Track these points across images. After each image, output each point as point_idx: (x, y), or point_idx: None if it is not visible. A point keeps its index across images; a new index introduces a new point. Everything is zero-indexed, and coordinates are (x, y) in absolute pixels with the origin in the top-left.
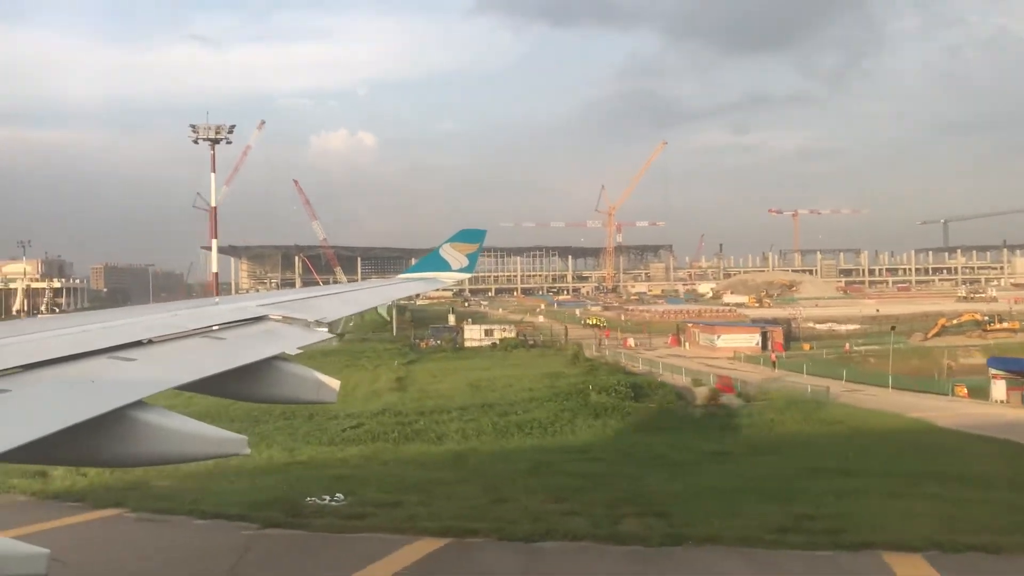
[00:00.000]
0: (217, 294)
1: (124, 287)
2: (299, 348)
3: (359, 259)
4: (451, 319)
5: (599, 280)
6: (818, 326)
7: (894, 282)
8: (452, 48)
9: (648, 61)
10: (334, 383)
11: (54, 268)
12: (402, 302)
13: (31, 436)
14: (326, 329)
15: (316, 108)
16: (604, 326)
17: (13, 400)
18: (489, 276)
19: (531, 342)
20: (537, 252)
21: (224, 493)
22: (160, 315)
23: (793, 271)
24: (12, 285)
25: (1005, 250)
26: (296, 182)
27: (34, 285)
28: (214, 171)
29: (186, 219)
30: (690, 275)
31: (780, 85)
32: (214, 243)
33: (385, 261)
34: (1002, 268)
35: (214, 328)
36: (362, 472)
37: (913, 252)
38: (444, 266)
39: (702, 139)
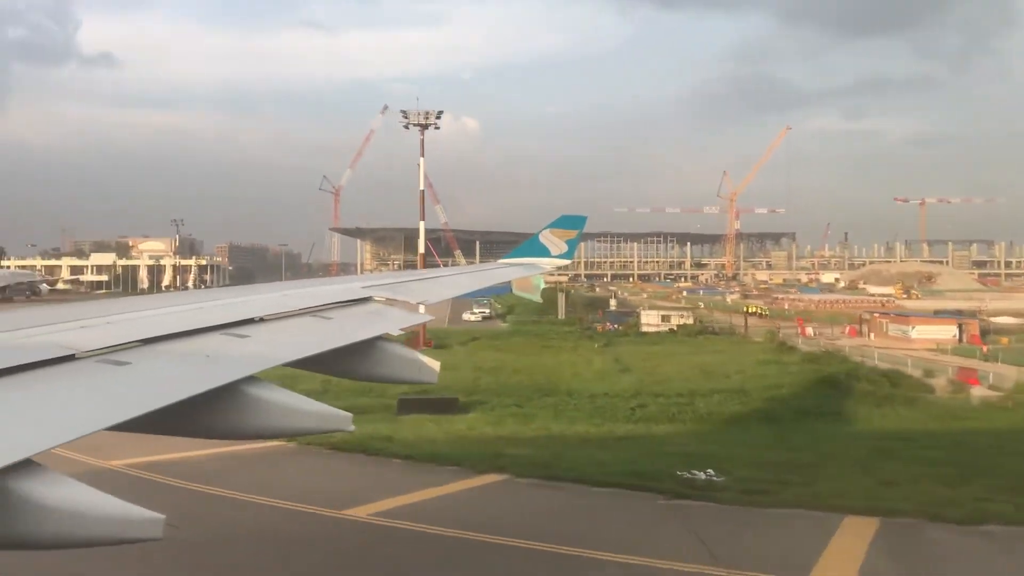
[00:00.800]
0: (337, 274)
1: (247, 266)
2: (401, 329)
3: (477, 243)
4: (612, 303)
5: (718, 268)
6: (994, 319)
7: None
8: (557, 31)
9: (758, 45)
10: (435, 364)
11: (186, 247)
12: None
13: (150, 407)
14: (422, 310)
15: (421, 93)
16: (766, 314)
17: (134, 373)
18: (605, 262)
19: (712, 329)
20: (654, 238)
21: (586, 462)
22: (271, 294)
23: (922, 262)
24: (162, 262)
25: None
26: (420, 164)
27: (182, 262)
28: (423, 155)
29: (313, 201)
30: (813, 264)
31: (897, 69)
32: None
33: (502, 246)
34: None
35: (322, 308)
36: (695, 449)
37: None
38: (544, 252)
39: (814, 125)
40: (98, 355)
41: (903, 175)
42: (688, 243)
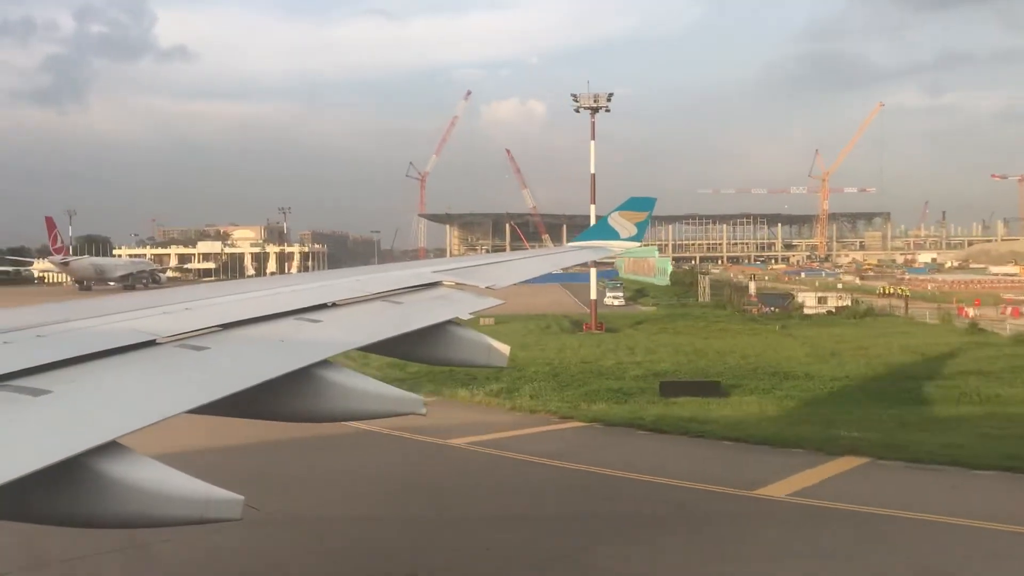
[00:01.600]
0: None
1: (336, 253)
2: (471, 313)
3: (564, 226)
4: (752, 287)
5: (810, 248)
6: None
7: None
8: (624, 13)
9: (832, 21)
10: (504, 348)
11: (275, 234)
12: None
13: (228, 391)
14: (491, 296)
15: (489, 77)
16: (907, 295)
17: (213, 357)
18: (693, 244)
19: (874, 311)
20: (742, 220)
21: (932, 445)
22: (343, 280)
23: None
24: (267, 249)
25: None
26: (508, 151)
27: (287, 249)
28: (593, 138)
29: (395, 187)
30: (908, 244)
31: (981, 41)
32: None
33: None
34: None
35: (392, 293)
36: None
37: None
38: (613, 235)
39: (892, 101)
40: (178, 340)
41: (991, 151)
42: (778, 224)
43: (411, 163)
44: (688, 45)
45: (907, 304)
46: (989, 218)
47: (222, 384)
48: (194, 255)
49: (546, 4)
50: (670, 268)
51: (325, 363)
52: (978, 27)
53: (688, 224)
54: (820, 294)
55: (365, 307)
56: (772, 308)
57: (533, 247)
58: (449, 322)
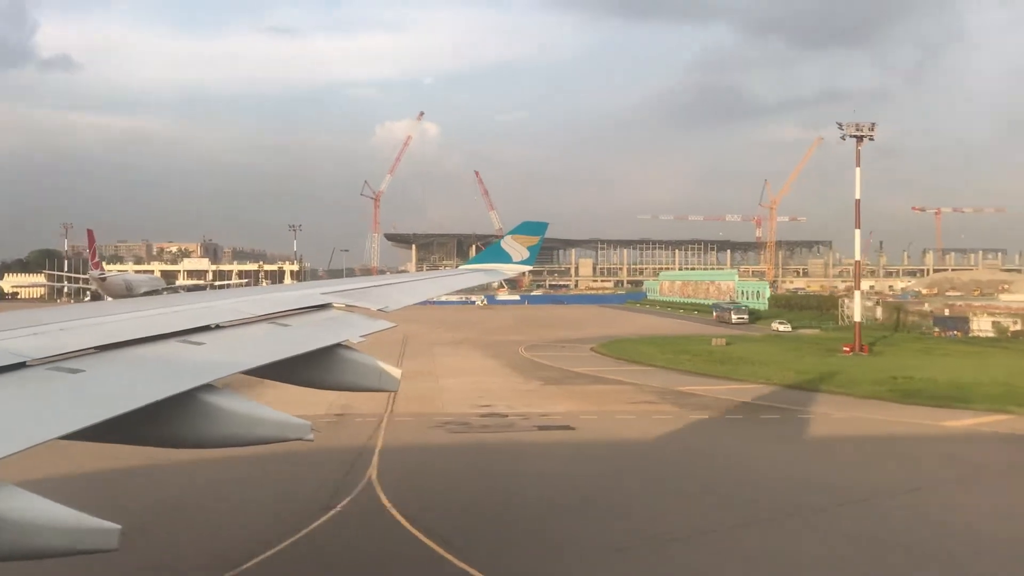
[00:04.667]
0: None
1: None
2: (362, 336)
3: None
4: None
5: (759, 275)
6: None
7: None
8: (519, 39)
9: (724, 55)
10: (396, 372)
11: (210, 251)
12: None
13: (103, 416)
14: (384, 319)
15: (385, 97)
16: None
17: (87, 381)
18: (648, 268)
19: None
20: (694, 245)
21: None
22: (228, 301)
23: (953, 270)
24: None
25: None
26: (477, 173)
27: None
28: (858, 165)
29: (308, 204)
30: (850, 271)
31: (855, 81)
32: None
33: (549, 251)
34: None
35: (280, 315)
36: None
37: None
38: (505, 258)
39: (771, 134)
40: (50, 363)
41: (872, 183)
42: (728, 250)
43: (366, 182)
44: (583, 73)
45: None
46: (908, 247)
47: (97, 409)
48: (179, 272)
49: (443, 26)
50: (768, 292)
51: (208, 387)
52: (853, 67)
53: (643, 248)
54: (993, 319)
55: (250, 329)
56: (954, 332)
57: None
58: (338, 345)
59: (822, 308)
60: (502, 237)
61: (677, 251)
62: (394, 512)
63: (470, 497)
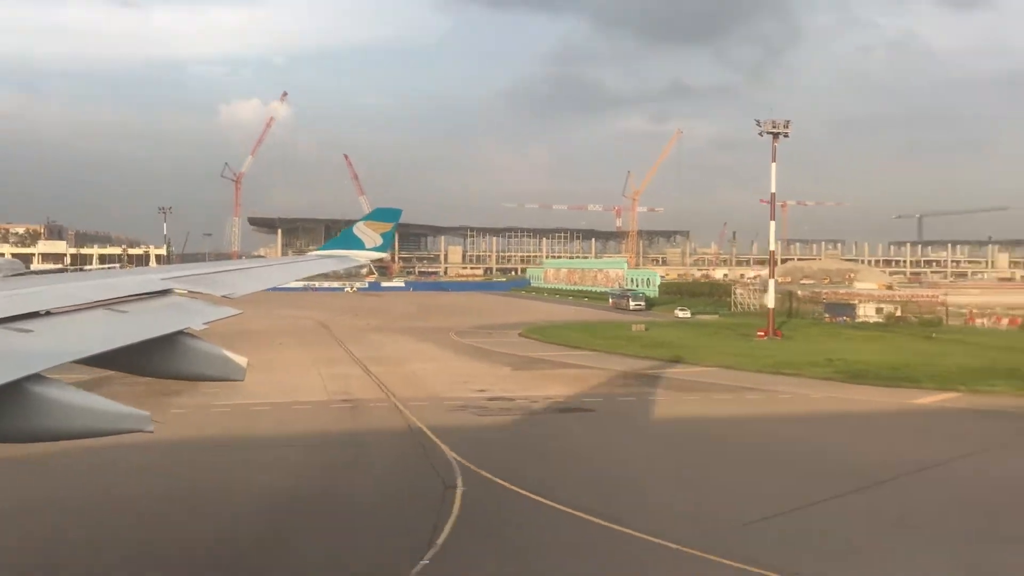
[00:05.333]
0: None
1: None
2: (205, 324)
3: (397, 235)
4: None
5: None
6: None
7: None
8: (373, 21)
9: (577, 47)
10: (242, 360)
11: (55, 232)
12: None
13: None
14: (230, 306)
15: (232, 76)
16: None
17: None
18: (515, 256)
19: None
20: (560, 234)
21: None
22: (59, 286)
23: (799, 259)
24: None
25: (991, 246)
26: (346, 156)
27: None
28: (774, 160)
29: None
30: (706, 260)
31: (700, 76)
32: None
33: (417, 238)
34: (985, 263)
35: (116, 300)
36: None
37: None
38: (358, 244)
39: (623, 126)
40: None
41: (710, 176)
42: (592, 239)
43: (226, 163)
44: (437, 60)
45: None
46: (756, 237)
47: None
48: (34, 255)
49: (295, 5)
50: (659, 280)
51: (38, 377)
52: (697, 63)
53: (512, 236)
54: (877, 305)
55: (84, 316)
56: (844, 318)
57: None
58: (180, 333)
59: (713, 295)
60: (354, 223)
61: (545, 239)
62: (517, 488)
63: (573, 471)
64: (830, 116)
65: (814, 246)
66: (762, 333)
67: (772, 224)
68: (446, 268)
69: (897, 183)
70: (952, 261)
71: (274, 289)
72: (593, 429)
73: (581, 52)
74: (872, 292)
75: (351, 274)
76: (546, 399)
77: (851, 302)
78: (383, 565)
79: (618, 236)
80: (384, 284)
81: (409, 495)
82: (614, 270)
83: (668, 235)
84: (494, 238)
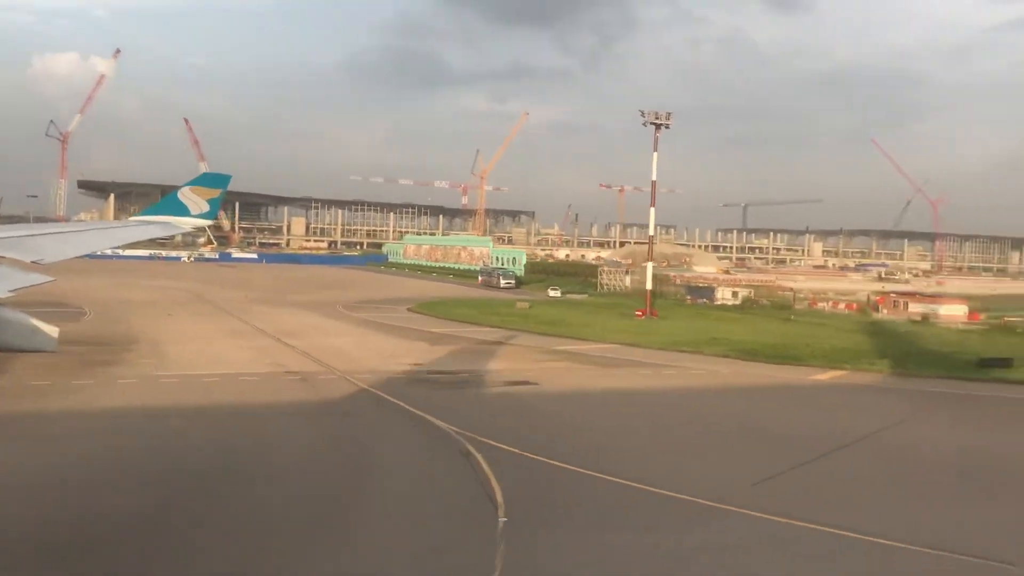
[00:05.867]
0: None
1: None
2: (11, 291)
3: (237, 204)
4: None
5: None
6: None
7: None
8: None
9: (419, 21)
10: (52, 330)
11: None
12: None
13: None
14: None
15: (46, 27)
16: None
17: None
18: (361, 229)
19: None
20: (408, 209)
21: None
22: None
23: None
24: None
25: (808, 235)
26: (187, 121)
27: None
28: (656, 150)
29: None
30: (549, 240)
31: (540, 59)
32: None
33: (256, 208)
34: (802, 251)
35: None
36: None
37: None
38: (182, 210)
39: (464, 104)
40: None
41: (546, 157)
42: (440, 215)
43: (52, 121)
44: (284, 22)
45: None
46: (594, 220)
47: None
48: None
49: None
50: (524, 259)
51: None
52: (537, 46)
53: (357, 210)
54: (734, 289)
55: None
56: (703, 300)
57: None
58: None
59: (579, 276)
60: (178, 188)
61: (393, 214)
62: (527, 452)
63: (567, 438)
64: (661, 106)
65: (656, 228)
66: (640, 313)
67: (652, 211)
68: (288, 240)
69: (724, 173)
70: (773, 248)
71: (118, 257)
72: (550, 400)
73: (423, 26)
74: (730, 277)
75: (188, 244)
76: (485, 372)
77: (711, 286)
78: (472, 519)
79: (463, 214)
80: (235, 255)
81: (436, 460)
82: (479, 248)
83: (514, 215)
84: (339, 211)
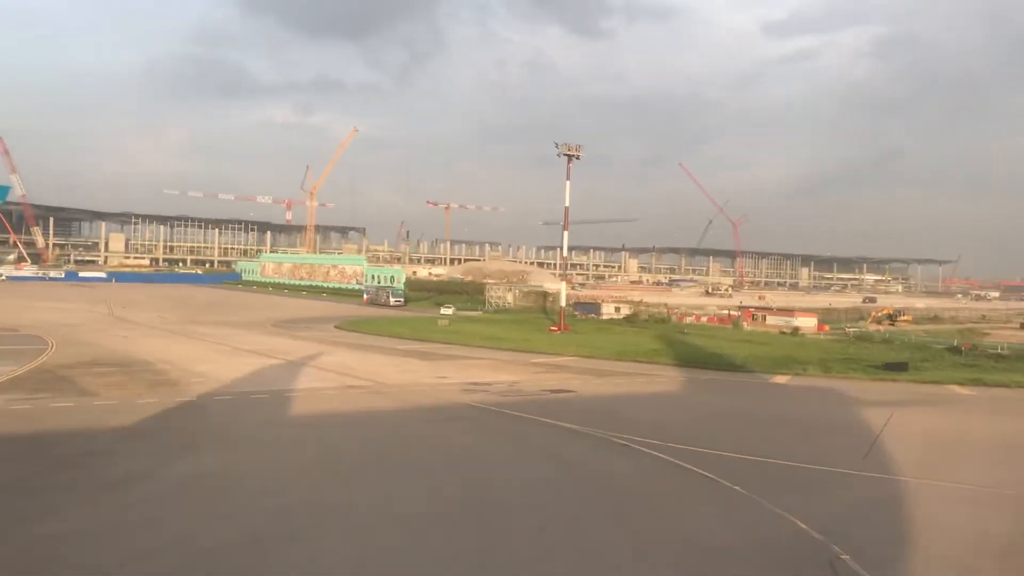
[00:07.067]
0: None
1: None
2: None
3: (52, 219)
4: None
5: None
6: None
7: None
8: None
9: (220, 29)
10: None
11: None
12: None
13: None
14: None
15: None
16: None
17: None
18: (183, 246)
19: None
20: (235, 225)
21: None
22: None
23: (466, 260)
24: None
25: (624, 252)
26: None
27: None
28: (568, 179)
29: None
30: (379, 256)
31: (348, 73)
32: None
33: (68, 223)
34: (619, 267)
35: None
36: None
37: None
38: None
39: (266, 115)
40: None
41: (358, 172)
42: (268, 231)
43: None
44: (73, 24)
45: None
46: (420, 236)
47: None
48: None
49: None
50: (404, 277)
51: None
52: (345, 60)
53: (180, 226)
54: (616, 304)
55: None
56: (592, 315)
57: (22, 239)
58: None
59: (463, 293)
60: None
61: (218, 230)
62: (682, 446)
63: (668, 431)
64: (477, 124)
65: (477, 247)
66: (555, 328)
67: (565, 234)
68: (106, 257)
69: (539, 191)
70: (593, 265)
71: None
72: (608, 403)
73: (225, 35)
74: (608, 294)
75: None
76: (509, 383)
77: (596, 302)
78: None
79: (289, 230)
80: (83, 274)
81: (624, 459)
82: (351, 266)
83: (343, 231)
84: (160, 226)
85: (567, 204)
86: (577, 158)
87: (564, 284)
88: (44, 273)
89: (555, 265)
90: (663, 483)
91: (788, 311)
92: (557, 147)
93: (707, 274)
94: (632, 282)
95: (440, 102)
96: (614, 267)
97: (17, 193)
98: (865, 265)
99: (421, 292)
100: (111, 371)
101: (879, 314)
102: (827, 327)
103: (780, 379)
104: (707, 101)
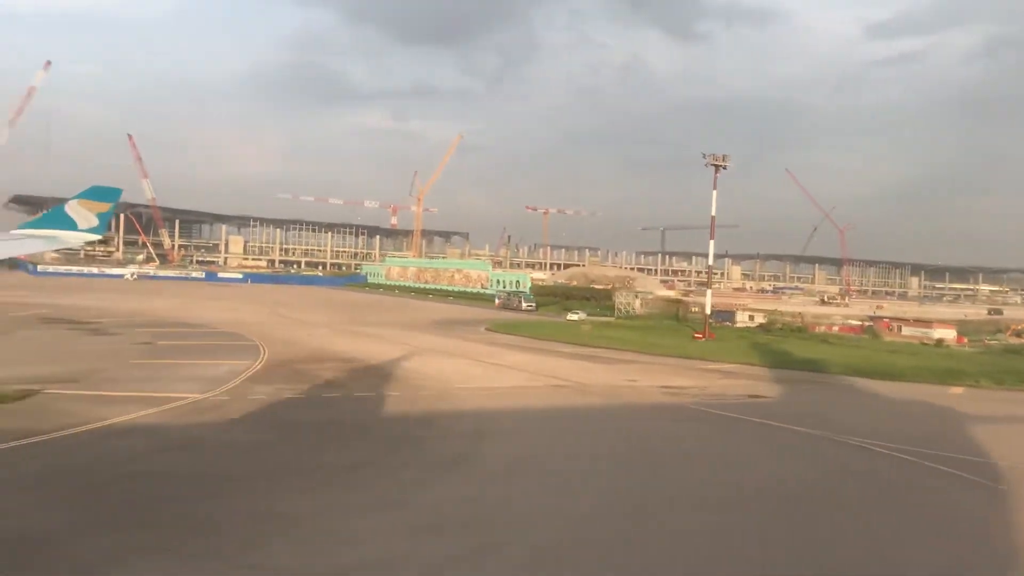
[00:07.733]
0: None
1: None
2: None
3: (178, 220)
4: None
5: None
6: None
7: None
8: None
9: (320, 37)
10: None
11: None
12: None
13: None
14: None
15: None
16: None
17: None
18: (298, 249)
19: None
20: (346, 229)
21: None
22: None
23: (566, 265)
24: None
25: (727, 259)
26: (130, 137)
27: None
28: (715, 188)
29: None
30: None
31: (443, 79)
32: None
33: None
34: (722, 274)
35: None
36: None
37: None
38: (69, 224)
39: (362, 120)
40: None
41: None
42: (377, 236)
43: None
44: (169, 34)
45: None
46: (519, 240)
47: None
48: None
49: None
50: (529, 282)
51: None
52: (440, 65)
53: (295, 229)
54: (749, 312)
55: None
56: (727, 323)
57: (151, 240)
58: None
59: (592, 299)
60: (66, 201)
61: (330, 233)
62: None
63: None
64: (569, 128)
65: (575, 252)
66: (699, 335)
67: (712, 243)
68: (226, 259)
69: (637, 196)
70: (695, 271)
71: (57, 274)
72: (813, 408)
73: (327, 43)
74: (740, 303)
75: (129, 260)
76: (702, 389)
77: (730, 310)
78: None
79: (395, 234)
80: (221, 275)
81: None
82: (476, 271)
83: (447, 235)
84: (277, 229)
85: (713, 213)
86: (724, 168)
87: (710, 293)
88: (187, 273)
89: (655, 271)
90: (932, 482)
91: (925, 322)
92: (704, 157)
93: (812, 282)
94: (735, 289)
95: (532, 106)
96: (717, 273)
97: (147, 196)
98: (981, 275)
99: (547, 297)
100: (339, 366)
101: (1020, 327)
102: (965, 339)
103: (954, 390)
104: (806, 105)
